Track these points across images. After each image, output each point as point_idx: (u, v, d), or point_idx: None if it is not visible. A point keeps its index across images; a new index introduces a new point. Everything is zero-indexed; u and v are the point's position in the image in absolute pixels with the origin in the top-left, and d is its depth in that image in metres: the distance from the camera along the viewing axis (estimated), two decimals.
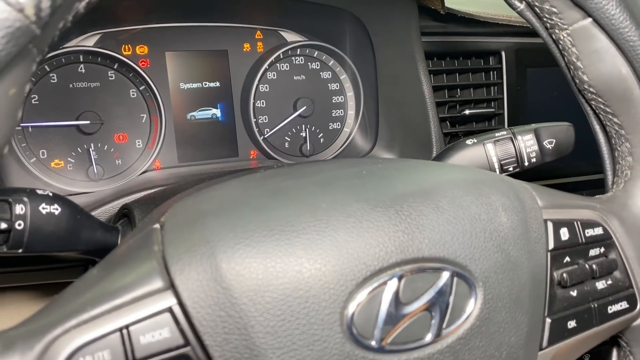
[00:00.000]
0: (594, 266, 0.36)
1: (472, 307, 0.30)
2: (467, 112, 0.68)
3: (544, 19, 0.37)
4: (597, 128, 0.41)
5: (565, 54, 0.38)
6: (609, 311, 0.37)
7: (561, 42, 0.38)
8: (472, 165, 0.50)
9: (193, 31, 0.64)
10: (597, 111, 0.40)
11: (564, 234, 0.36)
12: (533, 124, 0.51)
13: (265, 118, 0.68)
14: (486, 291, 0.30)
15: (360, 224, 0.28)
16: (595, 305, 0.36)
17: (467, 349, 0.30)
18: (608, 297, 0.37)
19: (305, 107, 0.68)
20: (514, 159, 0.50)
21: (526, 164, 0.50)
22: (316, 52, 0.69)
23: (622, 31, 0.35)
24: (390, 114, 0.69)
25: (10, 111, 0.23)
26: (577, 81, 0.39)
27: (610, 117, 0.39)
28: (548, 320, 0.34)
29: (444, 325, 0.29)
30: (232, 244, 0.26)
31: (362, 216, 0.29)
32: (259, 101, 0.67)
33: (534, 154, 0.50)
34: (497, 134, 0.50)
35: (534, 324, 0.33)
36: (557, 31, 0.38)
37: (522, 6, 0.38)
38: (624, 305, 0.38)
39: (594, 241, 0.37)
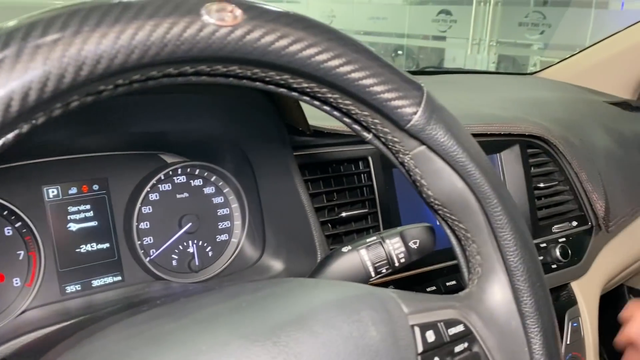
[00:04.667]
0: None
1: None
2: (343, 214, 0.73)
3: (389, 146, 0.43)
4: (448, 231, 0.47)
5: (411, 173, 0.44)
6: None
7: (406, 164, 0.44)
8: (350, 270, 0.54)
9: (72, 162, 0.64)
10: (444, 218, 0.46)
11: (430, 336, 0.40)
12: (399, 227, 0.56)
13: (150, 239, 0.68)
14: None
15: None
16: None
17: None
18: None
19: (190, 224, 0.70)
20: (385, 262, 0.55)
21: (397, 264, 0.55)
22: (197, 170, 0.72)
23: (451, 154, 0.42)
24: (275, 223, 0.72)
25: None
26: (424, 195, 0.45)
27: (457, 223, 0.45)
28: None
29: None
30: None
31: (243, 353, 0.31)
32: (142, 223, 0.68)
33: (402, 255, 0.55)
34: (368, 240, 0.55)
35: None
36: (401, 155, 0.44)
37: (370, 136, 0.43)
38: None
39: (458, 338, 0.41)
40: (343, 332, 0.34)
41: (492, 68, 7.07)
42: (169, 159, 0.71)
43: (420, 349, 0.39)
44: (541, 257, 0.87)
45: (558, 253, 0.87)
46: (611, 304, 1.62)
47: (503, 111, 0.98)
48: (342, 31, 0.39)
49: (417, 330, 0.39)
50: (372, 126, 0.43)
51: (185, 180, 0.71)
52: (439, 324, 0.41)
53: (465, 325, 0.42)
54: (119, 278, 0.67)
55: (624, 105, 1.39)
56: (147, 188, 0.68)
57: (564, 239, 0.90)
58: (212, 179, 0.73)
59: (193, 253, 0.71)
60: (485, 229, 0.44)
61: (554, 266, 0.88)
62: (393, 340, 0.37)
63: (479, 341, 0.43)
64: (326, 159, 0.74)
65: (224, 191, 0.74)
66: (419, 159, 0.43)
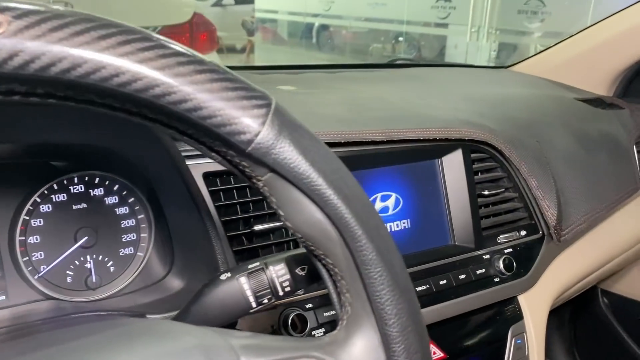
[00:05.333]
0: None
1: None
2: (256, 228, 0.67)
3: (240, 169, 0.37)
4: (318, 265, 0.41)
5: (269, 201, 0.38)
6: None
7: (262, 190, 0.38)
8: (228, 300, 0.49)
9: None
10: (310, 251, 0.40)
11: None
12: (286, 252, 0.51)
13: (40, 254, 0.63)
14: None
15: None
16: None
17: None
18: None
19: (86, 238, 0.65)
20: (268, 290, 0.49)
21: (281, 293, 0.49)
22: (97, 179, 0.66)
23: (304, 181, 0.36)
24: (181, 237, 0.67)
25: None
26: (285, 227, 0.39)
27: (323, 257, 0.40)
28: None
29: None
30: None
31: None
32: (32, 237, 0.63)
33: (287, 283, 0.49)
34: (250, 266, 0.49)
35: None
36: (255, 181, 0.38)
37: (219, 158, 0.38)
38: None
39: None
40: None
41: (492, 55, 6.99)
42: (63, 168, 0.65)
43: None
44: (483, 270, 0.81)
45: (501, 265, 0.82)
46: (585, 307, 1.57)
47: (455, 111, 0.92)
48: (154, 33, 0.33)
49: None
50: (216, 148, 0.37)
51: (83, 190, 0.66)
52: None
53: None
54: (3, 297, 0.62)
55: (596, 102, 1.33)
56: (35, 198, 0.62)
57: (510, 250, 0.85)
58: (115, 189, 0.68)
59: (90, 269, 0.66)
60: (352, 264, 0.39)
61: (497, 279, 0.82)
62: None
63: None
64: None
65: (129, 201, 0.68)
66: (272, 187, 0.37)
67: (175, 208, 0.65)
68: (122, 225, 0.68)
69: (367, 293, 0.39)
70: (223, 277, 0.49)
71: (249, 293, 0.49)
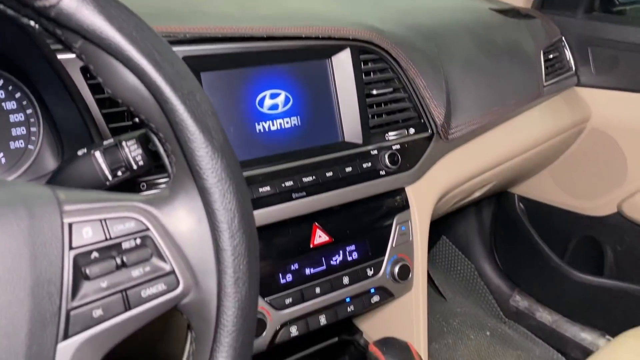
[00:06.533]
0: (124, 257, 0.41)
1: None
2: (137, 119, 0.71)
3: (58, 38, 0.41)
4: (147, 130, 0.46)
5: (89, 69, 0.42)
6: (143, 295, 0.41)
7: (81, 58, 0.41)
8: (85, 174, 0.53)
9: None
10: (136, 116, 0.44)
11: (87, 232, 0.40)
12: (141, 130, 0.55)
13: None
14: None
15: None
16: (126, 292, 0.41)
17: None
18: (143, 283, 0.41)
19: None
20: (123, 165, 0.54)
21: (134, 167, 0.54)
22: None
23: (113, 47, 0.40)
24: (67, 131, 0.70)
25: None
26: (107, 94, 0.43)
27: (147, 121, 0.44)
28: (71, 313, 0.38)
29: None
30: None
31: None
32: None
33: (139, 158, 0.54)
34: (105, 142, 0.54)
35: (44, 319, 0.36)
36: (73, 50, 0.41)
37: (37, 27, 0.41)
38: (161, 287, 0.42)
39: (126, 234, 0.41)
40: None
41: None
42: None
43: (73, 244, 0.39)
44: (370, 164, 0.87)
45: (387, 160, 0.88)
46: (503, 212, 1.68)
47: (350, 15, 0.95)
48: None
49: (73, 227, 0.39)
50: (30, 16, 0.40)
51: None
52: (103, 221, 0.40)
53: (138, 223, 0.42)
54: None
55: (512, 12, 1.36)
56: None
57: (398, 146, 0.91)
58: (1, 84, 0.70)
59: None
60: (169, 127, 0.43)
61: (382, 172, 0.88)
62: (26, 237, 0.36)
63: (156, 239, 0.42)
64: None
65: (17, 96, 0.71)
66: (87, 53, 0.41)
67: (56, 103, 0.68)
68: (11, 120, 0.71)
69: (183, 152, 0.43)
70: (80, 152, 0.54)
71: (104, 167, 0.53)
